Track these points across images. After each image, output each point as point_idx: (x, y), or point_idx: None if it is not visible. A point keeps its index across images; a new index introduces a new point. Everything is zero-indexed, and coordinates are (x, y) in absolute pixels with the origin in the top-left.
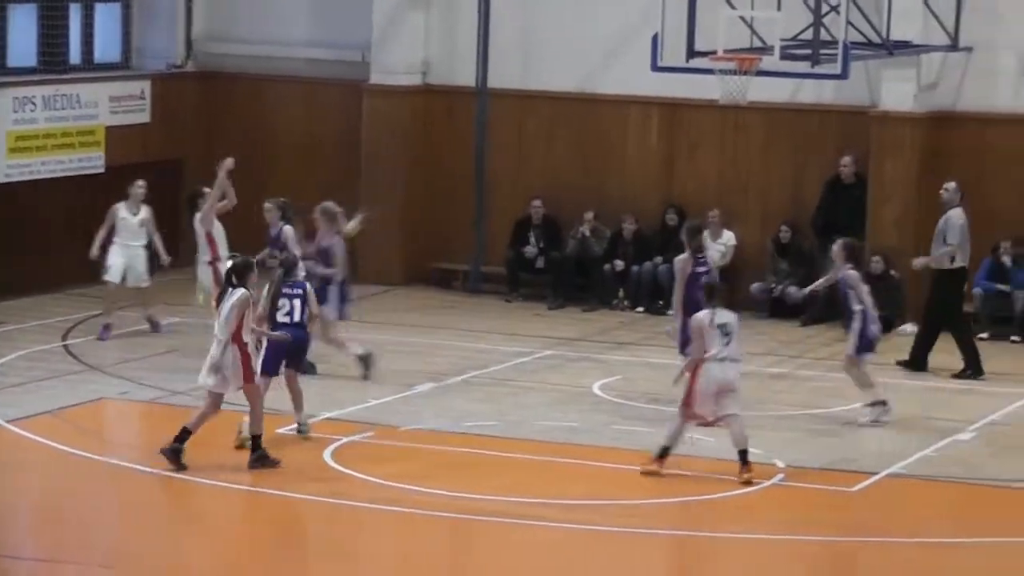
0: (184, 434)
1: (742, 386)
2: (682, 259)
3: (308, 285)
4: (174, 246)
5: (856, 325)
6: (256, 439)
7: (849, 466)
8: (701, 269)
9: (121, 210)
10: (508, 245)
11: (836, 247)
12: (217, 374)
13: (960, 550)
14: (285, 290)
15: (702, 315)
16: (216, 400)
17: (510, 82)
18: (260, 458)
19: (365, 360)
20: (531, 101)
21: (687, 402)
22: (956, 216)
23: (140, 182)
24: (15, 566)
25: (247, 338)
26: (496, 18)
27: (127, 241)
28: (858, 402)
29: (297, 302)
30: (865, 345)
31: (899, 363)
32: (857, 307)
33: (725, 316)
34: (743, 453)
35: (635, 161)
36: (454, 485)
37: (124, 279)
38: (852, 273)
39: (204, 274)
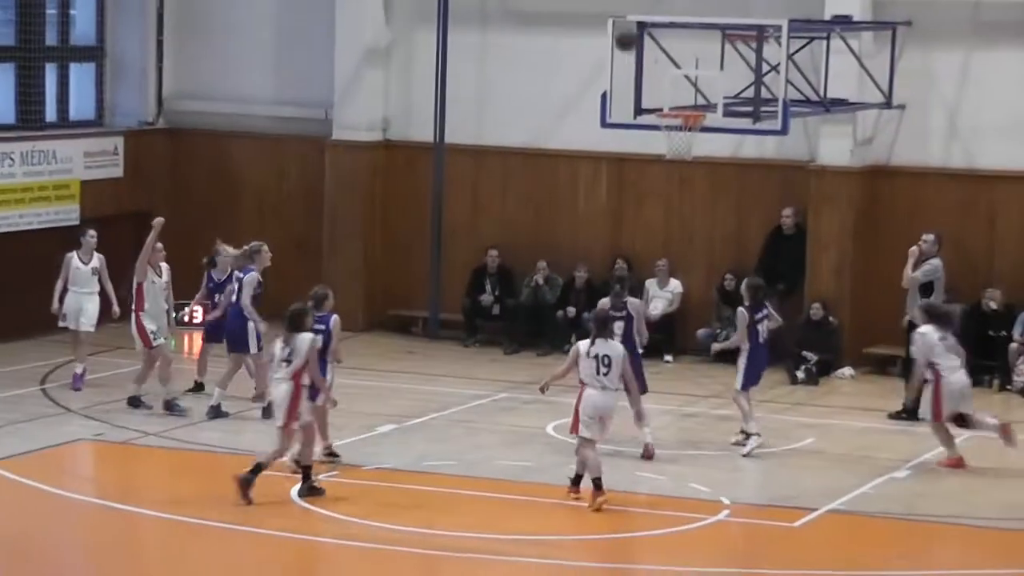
0: (257, 468)
1: (688, 425)
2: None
3: (335, 318)
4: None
5: (742, 361)
6: (307, 470)
7: (791, 503)
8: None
9: (74, 259)
10: (465, 293)
11: (743, 287)
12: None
13: None
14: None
15: (580, 344)
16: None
17: (466, 137)
18: (311, 488)
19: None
20: (486, 155)
21: (573, 426)
22: (940, 267)
23: (91, 231)
24: None
25: (306, 380)
26: (452, 77)
27: (80, 289)
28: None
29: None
30: (750, 380)
31: (892, 416)
32: (744, 345)
33: (606, 348)
34: (596, 480)
35: (585, 213)
36: (416, 521)
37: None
38: (741, 311)
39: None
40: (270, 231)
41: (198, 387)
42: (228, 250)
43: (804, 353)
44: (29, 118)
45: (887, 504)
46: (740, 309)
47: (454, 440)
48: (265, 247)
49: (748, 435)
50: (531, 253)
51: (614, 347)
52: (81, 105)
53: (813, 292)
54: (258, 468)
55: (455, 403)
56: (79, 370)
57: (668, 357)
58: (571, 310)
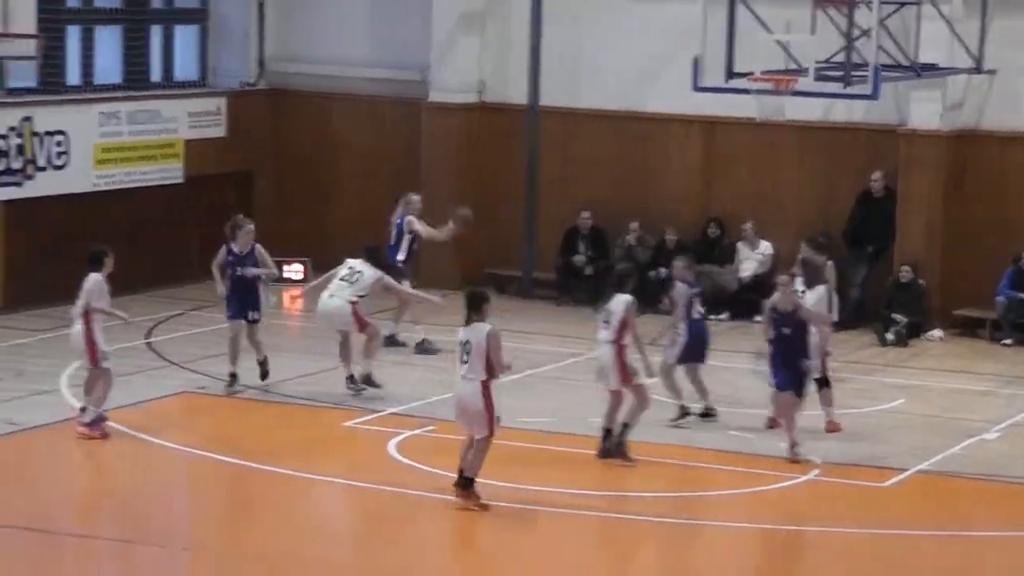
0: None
1: None
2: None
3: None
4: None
5: (680, 338)
6: (607, 431)
7: (880, 463)
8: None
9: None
10: (558, 253)
11: (678, 265)
12: (606, 375)
13: (988, 543)
14: None
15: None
16: (617, 397)
17: (559, 100)
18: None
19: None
20: (579, 118)
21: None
22: None
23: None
24: (102, 547)
25: (627, 341)
26: (547, 40)
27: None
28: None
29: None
30: (691, 356)
31: None
32: (680, 323)
33: (466, 334)
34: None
35: (676, 176)
36: (511, 477)
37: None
38: (680, 287)
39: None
40: (367, 191)
41: (233, 378)
42: (250, 225)
43: (893, 315)
44: (135, 78)
45: (976, 466)
46: (680, 285)
47: (548, 397)
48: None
49: (686, 413)
50: (623, 215)
51: (472, 333)
52: (185, 66)
53: (902, 255)
54: (625, 428)
55: (549, 361)
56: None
57: (759, 318)
58: (662, 271)
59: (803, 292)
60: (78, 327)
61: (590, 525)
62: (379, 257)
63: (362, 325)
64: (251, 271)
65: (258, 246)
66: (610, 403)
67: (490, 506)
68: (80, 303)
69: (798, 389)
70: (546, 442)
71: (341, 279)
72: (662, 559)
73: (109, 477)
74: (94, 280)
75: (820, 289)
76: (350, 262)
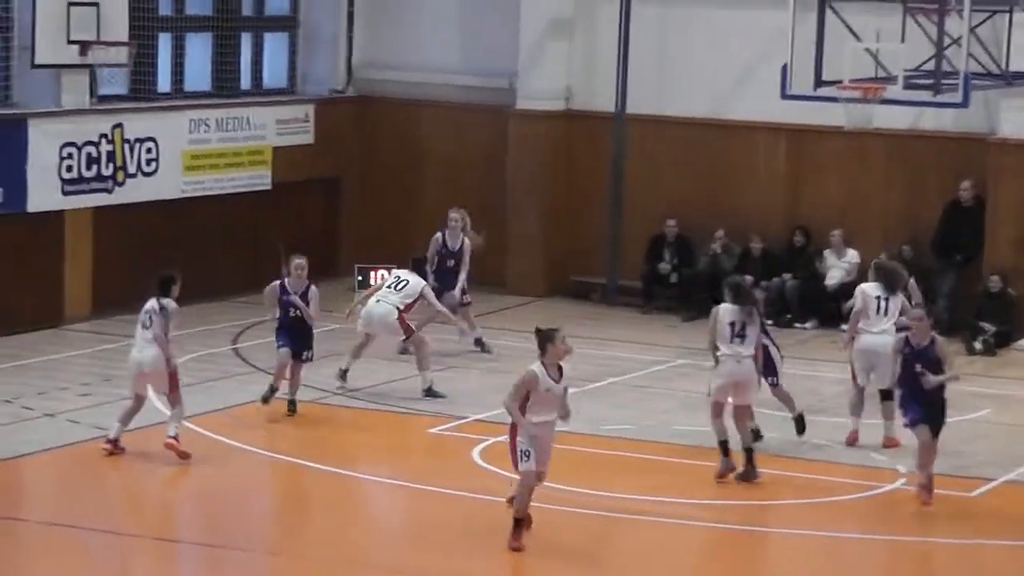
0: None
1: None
2: None
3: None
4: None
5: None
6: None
7: (967, 472)
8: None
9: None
10: (643, 261)
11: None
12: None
13: None
14: None
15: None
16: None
17: (646, 108)
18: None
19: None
20: (665, 125)
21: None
22: None
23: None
24: (187, 551)
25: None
26: (634, 48)
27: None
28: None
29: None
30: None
31: None
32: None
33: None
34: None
35: (763, 183)
36: (593, 484)
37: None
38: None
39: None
40: (452, 198)
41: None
42: (301, 262)
43: (982, 324)
44: (225, 86)
45: None
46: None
47: (631, 405)
48: None
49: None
50: (708, 222)
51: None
52: (274, 73)
53: (991, 264)
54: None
55: (633, 368)
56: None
57: (844, 327)
58: (748, 278)
59: (885, 298)
60: (153, 352)
61: (674, 532)
62: (423, 269)
63: (408, 332)
64: (298, 301)
65: (313, 288)
66: (739, 419)
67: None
68: (157, 329)
69: (934, 426)
70: (627, 449)
71: (387, 287)
72: (751, 568)
73: (195, 482)
74: (175, 308)
75: (900, 297)
76: (397, 271)
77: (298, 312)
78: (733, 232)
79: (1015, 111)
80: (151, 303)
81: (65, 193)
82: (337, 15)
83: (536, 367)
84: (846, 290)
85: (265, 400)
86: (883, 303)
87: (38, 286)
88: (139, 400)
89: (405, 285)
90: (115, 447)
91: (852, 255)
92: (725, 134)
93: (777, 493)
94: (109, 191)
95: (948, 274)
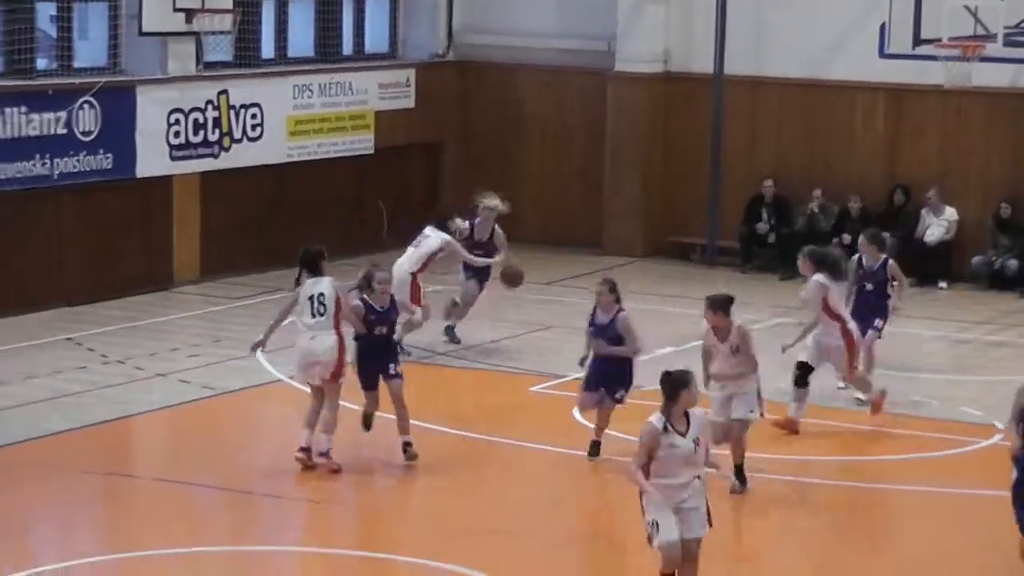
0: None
1: (961, 351)
2: None
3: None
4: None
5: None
6: None
7: None
8: None
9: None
10: (741, 222)
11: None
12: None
13: None
14: None
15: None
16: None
17: (744, 69)
18: None
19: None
20: (763, 87)
21: None
22: None
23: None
24: (292, 508)
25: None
26: (731, 9)
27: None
28: None
29: None
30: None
31: None
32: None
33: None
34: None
35: (861, 143)
36: None
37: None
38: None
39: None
40: (553, 162)
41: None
42: (384, 276)
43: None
44: (327, 51)
45: None
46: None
47: None
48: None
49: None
50: (806, 182)
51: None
52: (375, 39)
53: None
54: None
55: None
56: None
57: (943, 283)
58: (846, 237)
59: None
60: (333, 339)
61: (773, 489)
62: (446, 225)
63: (416, 300)
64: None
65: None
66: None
67: None
68: (331, 313)
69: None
70: None
71: (412, 245)
72: (845, 522)
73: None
74: (341, 286)
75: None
76: (426, 229)
77: (384, 330)
78: (831, 192)
79: None
80: (313, 286)
81: (173, 159)
82: None
83: (655, 419)
84: (944, 248)
85: (367, 426)
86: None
87: (148, 250)
88: (318, 392)
89: (423, 241)
90: (308, 456)
91: (950, 212)
92: (823, 94)
93: (874, 450)
94: (215, 156)
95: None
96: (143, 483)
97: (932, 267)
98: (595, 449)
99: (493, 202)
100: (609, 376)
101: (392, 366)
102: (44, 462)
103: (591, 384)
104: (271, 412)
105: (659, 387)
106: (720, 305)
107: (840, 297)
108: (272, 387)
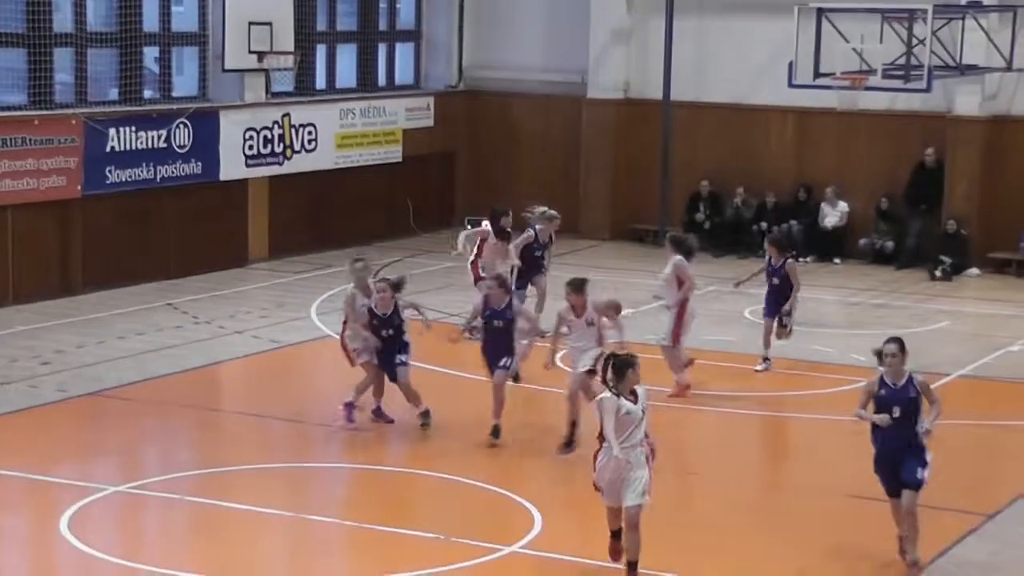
0: None
1: (851, 311)
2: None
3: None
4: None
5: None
6: None
7: (931, 369)
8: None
9: None
10: (684, 212)
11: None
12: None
13: (1013, 430)
14: None
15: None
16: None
17: (687, 96)
18: None
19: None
20: (702, 110)
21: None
22: None
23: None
24: (338, 434)
25: None
26: (676, 50)
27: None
28: (940, 323)
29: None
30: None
31: None
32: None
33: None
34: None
35: (775, 152)
36: (652, 382)
37: None
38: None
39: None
40: (537, 168)
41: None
42: (383, 285)
43: (941, 257)
44: (366, 83)
45: (1005, 371)
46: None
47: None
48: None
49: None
50: (733, 182)
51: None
52: (403, 73)
53: (949, 211)
54: None
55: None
56: None
57: (837, 260)
58: (763, 224)
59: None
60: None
61: (708, 417)
62: (497, 220)
63: (476, 279)
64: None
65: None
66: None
67: None
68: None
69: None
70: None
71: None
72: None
73: (346, 381)
74: (349, 296)
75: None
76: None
77: (391, 332)
78: (752, 189)
79: (966, 95)
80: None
81: (248, 166)
82: (451, 28)
83: (606, 393)
84: (839, 232)
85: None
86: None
87: (228, 236)
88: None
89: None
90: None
91: (843, 205)
92: (747, 115)
93: (774, 385)
94: (280, 164)
95: (916, 220)
96: (227, 415)
97: (829, 247)
98: (496, 432)
99: (552, 211)
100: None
101: (399, 357)
102: (152, 399)
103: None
104: (323, 360)
105: (609, 370)
106: (578, 287)
107: (691, 274)
108: (323, 341)
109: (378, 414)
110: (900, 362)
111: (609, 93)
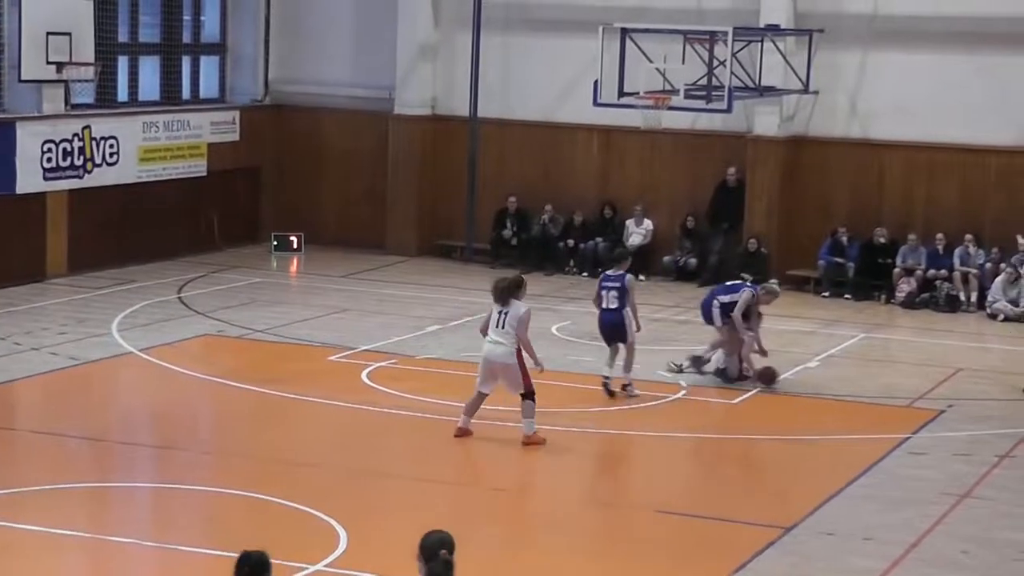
0: None
1: (656, 327)
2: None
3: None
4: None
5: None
6: None
7: (733, 386)
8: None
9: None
10: (492, 228)
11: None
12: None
13: (813, 444)
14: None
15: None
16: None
17: (493, 112)
18: None
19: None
20: (509, 126)
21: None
22: None
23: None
24: (141, 452)
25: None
26: (483, 67)
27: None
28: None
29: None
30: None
31: None
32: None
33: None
34: None
35: (581, 170)
36: (454, 397)
37: None
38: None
39: None
40: (347, 182)
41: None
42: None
43: (742, 275)
44: (170, 96)
45: (803, 387)
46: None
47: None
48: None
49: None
50: (540, 199)
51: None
52: (208, 86)
53: (749, 230)
54: None
55: (484, 310)
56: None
57: (642, 276)
58: (570, 242)
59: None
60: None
61: (501, 432)
62: (516, 293)
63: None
64: None
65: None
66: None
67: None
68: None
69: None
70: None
71: (494, 325)
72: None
73: (148, 398)
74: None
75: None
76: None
77: None
78: (559, 207)
79: (765, 116)
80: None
81: (46, 179)
82: (256, 41)
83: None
84: (643, 250)
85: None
86: (501, 316)
87: (26, 250)
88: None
89: (506, 316)
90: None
91: (648, 224)
92: (553, 132)
93: (589, 401)
94: (80, 177)
95: (718, 238)
96: (20, 434)
97: (634, 265)
98: None
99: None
100: None
101: None
102: None
103: None
104: (123, 377)
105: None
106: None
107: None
108: (124, 358)
109: None
110: None
111: (416, 109)
